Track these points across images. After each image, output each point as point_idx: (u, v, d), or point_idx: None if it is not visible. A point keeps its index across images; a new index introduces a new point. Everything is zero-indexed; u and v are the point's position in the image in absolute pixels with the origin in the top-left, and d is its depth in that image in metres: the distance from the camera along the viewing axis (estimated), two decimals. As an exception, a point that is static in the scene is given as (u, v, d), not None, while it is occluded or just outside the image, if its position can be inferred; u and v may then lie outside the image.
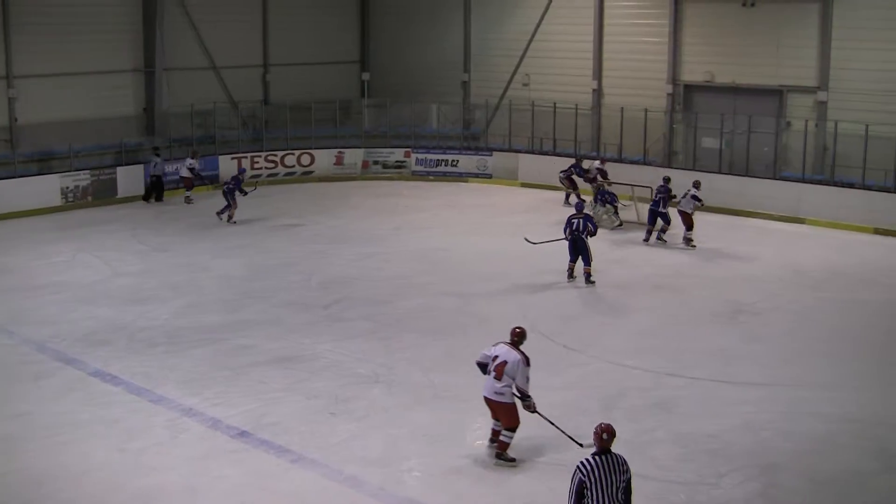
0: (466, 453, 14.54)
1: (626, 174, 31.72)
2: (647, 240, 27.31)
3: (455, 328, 20.02)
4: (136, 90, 36.35)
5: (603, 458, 10.33)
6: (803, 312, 21.55)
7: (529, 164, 36.19)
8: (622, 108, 34.77)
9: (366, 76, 42.97)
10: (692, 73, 35.24)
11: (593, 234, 23.18)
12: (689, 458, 14.27)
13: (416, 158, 37.74)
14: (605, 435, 10.45)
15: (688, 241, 27.10)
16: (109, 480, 13.54)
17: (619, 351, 18.73)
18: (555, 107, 35.97)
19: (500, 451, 14.06)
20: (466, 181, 36.82)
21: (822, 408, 16.10)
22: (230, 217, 29.37)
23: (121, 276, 23.82)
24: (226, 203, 29.46)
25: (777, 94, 33.22)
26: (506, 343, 14.04)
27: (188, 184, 33.23)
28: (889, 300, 22.57)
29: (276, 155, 36.41)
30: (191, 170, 33.07)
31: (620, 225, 28.72)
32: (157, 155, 33.14)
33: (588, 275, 23.13)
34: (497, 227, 28.36)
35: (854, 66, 31.27)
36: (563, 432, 13.72)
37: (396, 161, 37.81)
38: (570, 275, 23.36)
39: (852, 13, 31.18)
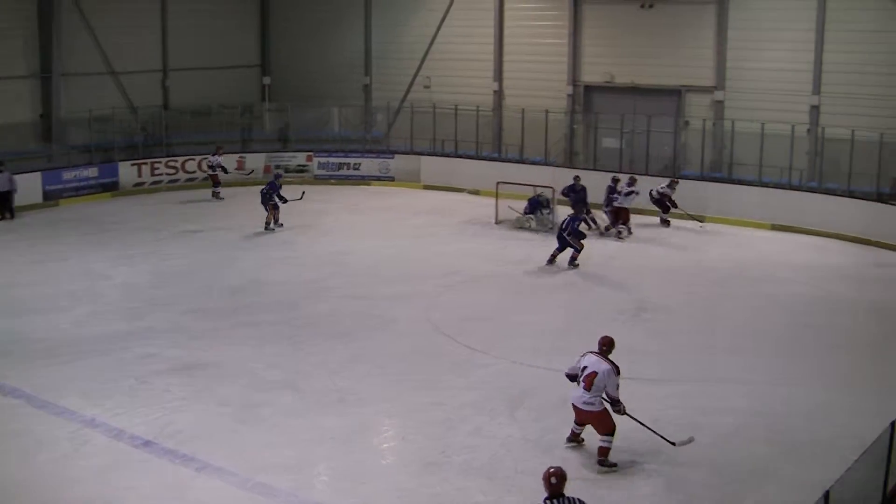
0: (373, 456, 14.51)
1: (528, 175, 31.87)
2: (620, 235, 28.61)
3: (362, 331, 19.94)
4: (32, 96, 35.61)
5: (555, 502, 10.03)
6: (708, 308, 21.88)
7: (431, 167, 36.22)
8: (523, 109, 34.97)
9: (267, 80, 42.71)
10: (592, 74, 35.57)
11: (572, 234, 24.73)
12: (595, 455, 14.28)
13: (319, 162, 37.54)
14: (553, 479, 10.13)
15: (619, 233, 28.33)
16: (12, 495, 13.22)
17: (524, 351, 18.78)
18: (456, 109, 36.06)
19: (602, 458, 13.83)
20: (369, 184, 36.74)
21: (728, 402, 16.31)
22: (267, 224, 28.94)
23: (18, 287, 23.25)
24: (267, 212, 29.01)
25: (675, 93, 33.68)
26: (594, 353, 13.97)
27: (214, 180, 33.70)
28: (789, 293, 22.99)
29: (176, 160, 35.86)
30: (212, 167, 33.91)
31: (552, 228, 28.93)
32: (1, 171, 30.59)
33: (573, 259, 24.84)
34: (401, 229, 28.34)
35: (749, 65, 31.87)
36: (655, 432, 13.61)
37: (299, 165, 37.57)
38: (551, 261, 24.99)
39: (747, 14, 31.80)
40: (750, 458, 14.36)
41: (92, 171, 33.66)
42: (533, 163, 34.56)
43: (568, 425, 15.32)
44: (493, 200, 29.82)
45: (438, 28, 38.57)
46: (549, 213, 28.96)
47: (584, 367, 13.82)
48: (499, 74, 37.49)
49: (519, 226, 28.87)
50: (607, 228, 28.49)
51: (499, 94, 37.53)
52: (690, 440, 13.77)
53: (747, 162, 30.88)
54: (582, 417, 14.06)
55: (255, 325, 20.38)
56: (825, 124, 30.14)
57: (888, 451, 10.67)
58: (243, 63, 42.60)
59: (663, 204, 29.61)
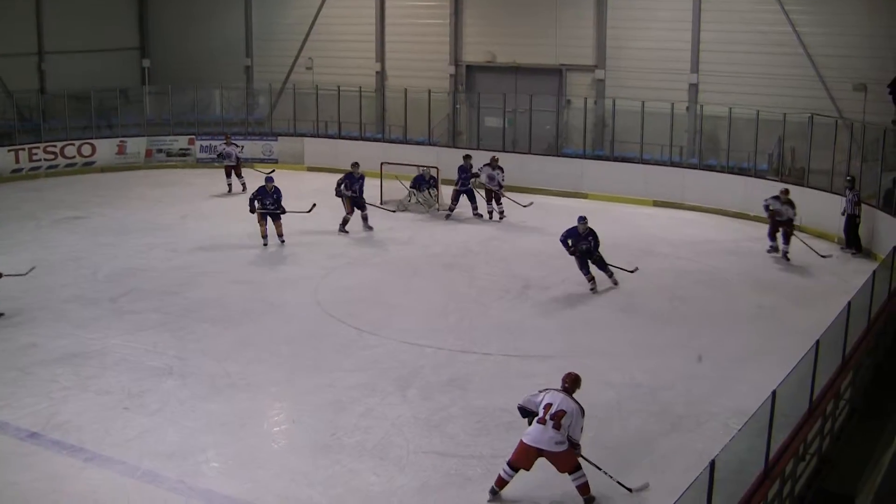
0: (264, 441, 14.48)
1: (412, 155, 31.95)
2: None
3: (247, 316, 19.82)
4: None
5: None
6: (588, 285, 22.13)
7: (315, 148, 36.07)
8: (406, 89, 34.97)
9: (146, 63, 42.05)
10: (474, 53, 35.79)
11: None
12: (485, 432, 14.51)
13: (201, 145, 37.09)
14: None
15: (501, 213, 28.33)
16: None
17: (411, 331, 18.87)
18: (339, 90, 35.92)
19: (588, 496, 12.56)
20: (253, 167, 36.37)
21: (608, 376, 16.57)
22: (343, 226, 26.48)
23: None
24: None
25: (557, 73, 34.04)
26: (558, 390, 12.66)
27: (234, 171, 32.36)
28: (668, 269, 23.43)
29: (55, 146, 35.07)
30: (221, 156, 32.75)
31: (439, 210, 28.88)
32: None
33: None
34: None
35: (629, 44, 32.42)
36: (611, 477, 13.13)
37: (180, 149, 37.09)
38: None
39: (626, -6, 32.31)
40: (632, 431, 14.66)
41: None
42: (417, 143, 34.66)
43: (456, 403, 15.47)
44: (377, 181, 29.78)
45: (319, 9, 38.43)
46: (434, 193, 29.06)
47: (549, 405, 12.40)
48: (381, 55, 37.52)
49: (403, 208, 28.87)
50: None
51: (381, 75, 37.56)
52: (646, 486, 13.52)
53: (629, 140, 31.31)
54: (550, 458, 12.53)
55: (138, 311, 20.09)
56: (704, 102, 30.73)
57: (770, 420, 10.95)
58: (122, 46, 41.92)
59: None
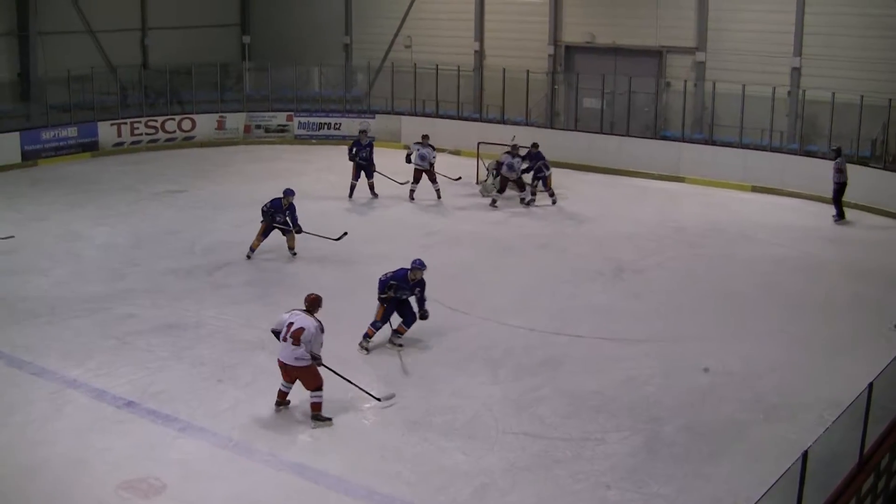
0: (355, 417, 14.56)
1: (509, 135, 31.82)
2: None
3: (340, 292, 19.86)
4: (9, 55, 35.28)
5: None
6: (684, 269, 21.96)
7: (412, 126, 36.02)
8: (504, 69, 34.85)
9: (246, 39, 42.50)
10: (573, 34, 35.52)
11: None
12: (575, 414, 14.48)
13: (299, 122, 37.38)
14: None
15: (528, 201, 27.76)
16: (-9, 455, 13.24)
17: (503, 310, 18.89)
18: (437, 69, 35.91)
19: (316, 413, 14.14)
20: (349, 144, 36.59)
21: (701, 362, 16.43)
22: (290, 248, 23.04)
23: (-4, 246, 23.20)
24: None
25: (657, 55, 33.67)
26: (300, 310, 14.13)
27: (428, 176, 28.12)
28: (764, 255, 23.10)
29: (156, 120, 35.64)
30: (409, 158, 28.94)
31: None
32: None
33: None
34: (381, 189, 28.23)
35: (730, 27, 31.86)
36: (360, 388, 14.19)
37: (279, 125, 37.40)
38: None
39: (728, -25, 31.78)
40: (724, 418, 14.51)
41: (71, 131, 33.43)
42: (514, 123, 34.53)
43: (548, 385, 15.47)
44: (474, 161, 29.77)
45: (419, -13, 38.48)
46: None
47: (291, 324, 13.87)
48: (480, 34, 37.40)
49: (487, 192, 28.41)
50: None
51: (480, 54, 37.45)
52: (392, 396, 14.59)
53: (728, 123, 30.89)
54: (290, 374, 14.10)
55: (233, 285, 20.40)
56: (806, 86, 30.15)
57: (866, 412, 10.78)
58: (223, 22, 42.33)
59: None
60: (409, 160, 27.65)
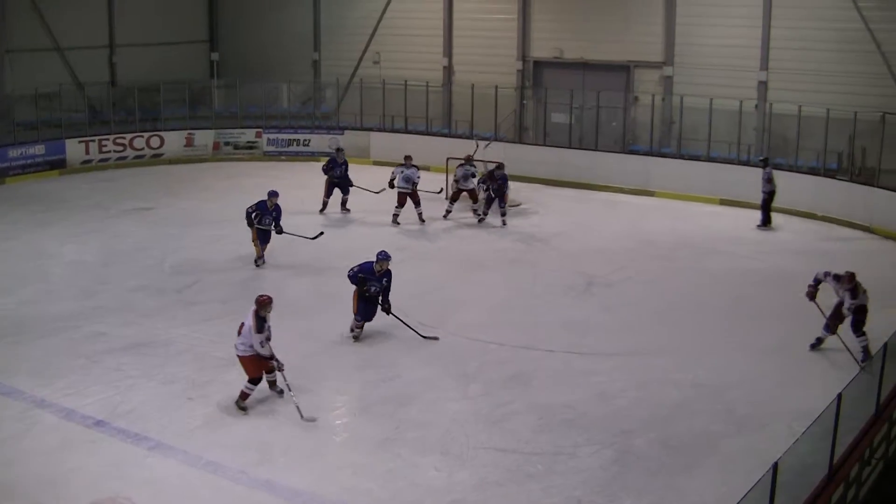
0: (326, 434, 14.56)
1: (477, 146, 31.91)
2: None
3: (310, 309, 19.92)
4: (-25, 73, 35.17)
5: None
6: (654, 283, 22.03)
7: (381, 143, 36.13)
8: (473, 84, 34.91)
9: (215, 56, 42.42)
10: (541, 49, 35.63)
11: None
12: (546, 429, 14.50)
13: (268, 138, 37.30)
14: None
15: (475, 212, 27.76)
16: (-43, 475, 13.12)
17: (474, 326, 18.88)
18: (405, 84, 35.95)
19: (240, 400, 15.11)
20: (319, 160, 36.41)
21: (672, 375, 16.52)
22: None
23: (-37, 266, 23.03)
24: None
25: (624, 69, 33.81)
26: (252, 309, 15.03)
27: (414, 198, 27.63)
28: (734, 268, 23.20)
29: (124, 138, 35.43)
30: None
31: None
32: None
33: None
34: (349, 205, 28.18)
35: (697, 41, 32.05)
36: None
37: (248, 141, 37.32)
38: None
39: (695, -10, 32.00)
40: (695, 431, 14.57)
41: (39, 149, 33.23)
42: (483, 138, 34.56)
43: (519, 399, 15.49)
44: (443, 176, 29.78)
45: (388, 3, 38.38)
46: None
47: (243, 323, 15.09)
48: (448, 50, 37.46)
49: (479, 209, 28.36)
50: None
51: (448, 70, 37.51)
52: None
53: (696, 137, 31.05)
54: (241, 363, 15.15)
55: (203, 302, 20.30)
56: (773, 100, 30.35)
57: (835, 423, 10.84)
58: (191, 39, 42.20)
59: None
60: (392, 185, 26.92)
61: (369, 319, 18.07)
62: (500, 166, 27.03)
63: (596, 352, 17.66)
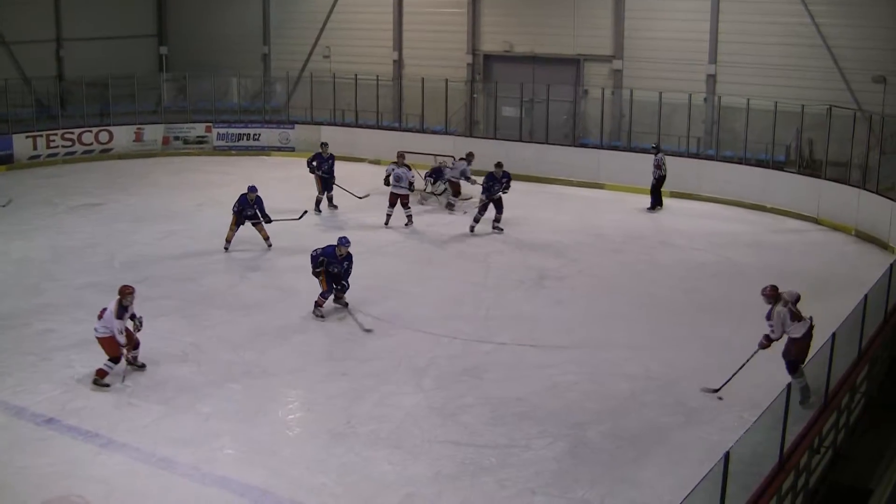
0: (279, 428, 14.52)
1: (428, 144, 31.90)
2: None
3: (262, 304, 19.86)
4: (-82, 67, 34.73)
5: None
6: (605, 276, 22.13)
7: (332, 136, 35.86)
8: (423, 78, 34.93)
9: (164, 50, 42.14)
10: (491, 43, 35.70)
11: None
12: (500, 422, 14.53)
13: (218, 133, 37.11)
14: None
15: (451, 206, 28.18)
16: None
17: (427, 320, 18.89)
18: (356, 78, 35.90)
19: (98, 378, 15.73)
20: (269, 154, 36.49)
21: (624, 368, 16.60)
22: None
23: None
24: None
25: (574, 63, 33.95)
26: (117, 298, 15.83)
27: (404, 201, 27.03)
28: (684, 261, 23.36)
29: (72, 133, 35.08)
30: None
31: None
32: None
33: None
34: (301, 200, 28.06)
35: (646, 35, 32.28)
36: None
37: (197, 136, 37.09)
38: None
39: (644, -16, 32.18)
40: (647, 422, 14.67)
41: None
42: (433, 132, 34.64)
43: (472, 392, 15.52)
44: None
45: (337, -3, 38.44)
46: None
47: (105, 308, 15.89)
48: (398, 44, 37.45)
49: (424, 200, 28.59)
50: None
51: (399, 64, 37.50)
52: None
53: (646, 130, 31.21)
54: (100, 344, 15.82)
55: (154, 298, 20.07)
56: (721, 93, 30.60)
57: (785, 412, 10.94)
58: (140, 33, 41.97)
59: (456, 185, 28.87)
60: (387, 182, 26.37)
61: (332, 293, 19.28)
62: (499, 165, 25.74)
63: (548, 344, 17.72)
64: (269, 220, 23.71)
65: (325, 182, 27.35)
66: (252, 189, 23.64)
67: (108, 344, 15.71)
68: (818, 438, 12.25)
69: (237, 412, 14.85)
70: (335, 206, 27.72)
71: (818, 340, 13.36)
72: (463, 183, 28.34)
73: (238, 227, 23.56)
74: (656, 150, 28.43)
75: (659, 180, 28.25)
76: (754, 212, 28.09)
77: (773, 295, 15.21)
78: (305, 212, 25.22)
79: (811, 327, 14.95)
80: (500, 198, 25.48)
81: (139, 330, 16.22)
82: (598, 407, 15.10)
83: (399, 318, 19.02)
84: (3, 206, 22.03)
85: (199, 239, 24.75)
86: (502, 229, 25.58)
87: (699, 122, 30.98)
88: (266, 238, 23.83)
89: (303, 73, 39.01)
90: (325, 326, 18.56)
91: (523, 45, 34.92)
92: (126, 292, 15.82)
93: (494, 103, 34.82)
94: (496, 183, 25.28)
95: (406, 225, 26.07)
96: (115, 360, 15.72)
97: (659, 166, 28.09)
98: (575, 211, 28.19)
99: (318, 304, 19.07)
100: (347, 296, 19.41)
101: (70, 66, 38.79)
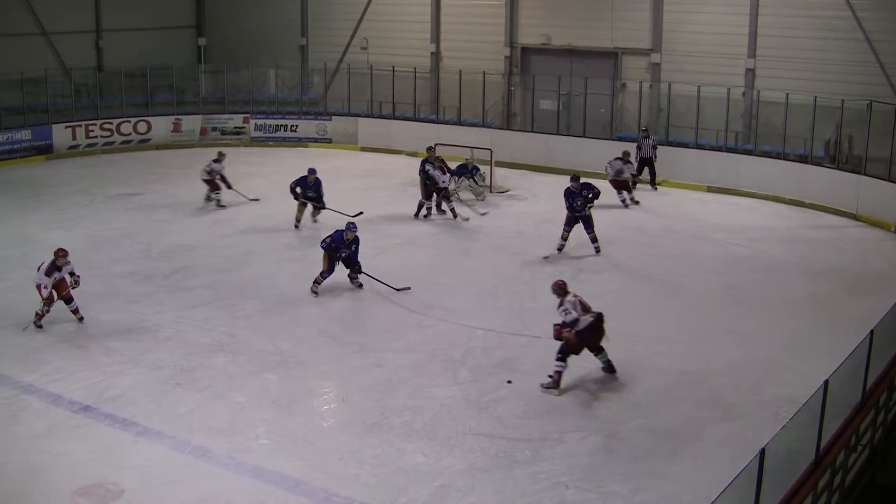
0: (313, 419, 14.56)
1: (466, 137, 31.85)
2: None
3: (297, 295, 19.91)
4: (-39, 57, 35.01)
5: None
6: (641, 270, 22.06)
7: (369, 129, 36.14)
8: (460, 71, 34.91)
9: (202, 41, 42.30)
10: (529, 36, 35.62)
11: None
12: (534, 415, 14.51)
13: (255, 124, 37.28)
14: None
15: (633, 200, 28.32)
16: (-55, 462, 13.09)
17: (462, 312, 18.90)
18: (393, 70, 35.91)
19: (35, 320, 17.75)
20: (306, 146, 36.58)
21: (659, 361, 16.53)
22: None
23: (-51, 251, 22.93)
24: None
25: (612, 56, 33.83)
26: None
27: (212, 186, 27.54)
28: (721, 255, 23.24)
29: (111, 123, 35.38)
30: (210, 173, 27.57)
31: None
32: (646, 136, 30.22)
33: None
34: (338, 192, 28.12)
35: (685, 28, 32.10)
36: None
37: (235, 127, 37.29)
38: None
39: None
40: (681, 417, 14.59)
41: (25, 134, 33.21)
42: (471, 125, 34.59)
43: (506, 386, 15.49)
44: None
45: (375, -11, 38.45)
46: (482, 181, 28.73)
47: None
48: (436, 36, 37.42)
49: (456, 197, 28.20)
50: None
51: (436, 56, 37.48)
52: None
53: (683, 124, 31.08)
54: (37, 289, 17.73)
55: (190, 288, 20.27)
56: (760, 87, 30.39)
57: (822, 409, 10.87)
58: (178, 24, 42.17)
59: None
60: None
61: (331, 273, 20.09)
62: (576, 178, 23.39)
63: (583, 338, 17.67)
64: (324, 206, 24.99)
65: (315, 206, 25.50)
66: (312, 171, 24.91)
67: (38, 291, 17.68)
68: (855, 436, 12.17)
69: (272, 402, 14.90)
70: (316, 221, 25.48)
71: (857, 337, 13.22)
72: (497, 174, 28.19)
73: (304, 206, 24.95)
74: (646, 132, 29.66)
75: (648, 161, 29.80)
76: (792, 207, 27.89)
77: (562, 288, 16.05)
78: (361, 212, 24.35)
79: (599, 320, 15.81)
80: (589, 216, 23.13)
81: (76, 287, 17.98)
82: (632, 401, 15.05)
83: (434, 309, 19.03)
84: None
85: (236, 229, 24.86)
86: (599, 249, 23.16)
87: (737, 116, 30.78)
88: (315, 218, 25.23)
89: (340, 64, 39.03)
90: (360, 318, 18.61)
91: (561, 38, 34.82)
92: (59, 255, 17.73)
93: (532, 96, 34.73)
94: (577, 198, 22.98)
95: (454, 218, 25.74)
96: (47, 302, 17.66)
97: (645, 148, 29.47)
98: (609, 205, 28.02)
99: (316, 282, 19.99)
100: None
101: (109, 56, 39.00)
